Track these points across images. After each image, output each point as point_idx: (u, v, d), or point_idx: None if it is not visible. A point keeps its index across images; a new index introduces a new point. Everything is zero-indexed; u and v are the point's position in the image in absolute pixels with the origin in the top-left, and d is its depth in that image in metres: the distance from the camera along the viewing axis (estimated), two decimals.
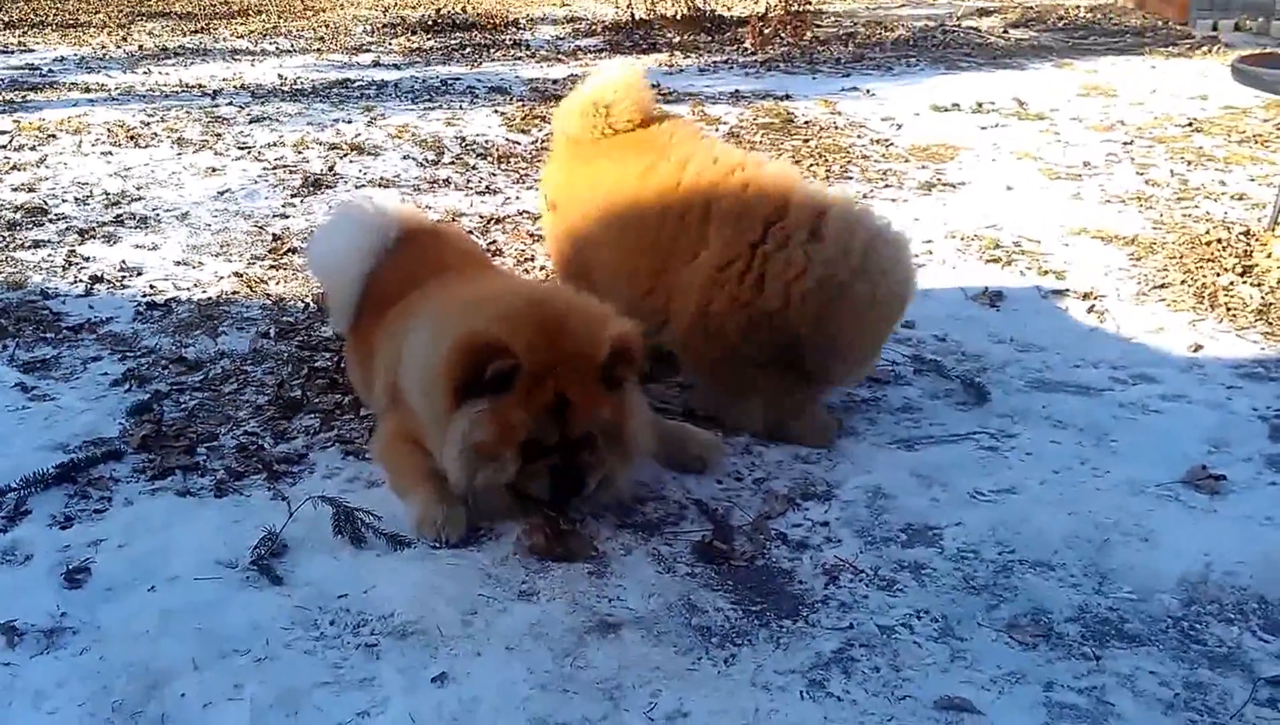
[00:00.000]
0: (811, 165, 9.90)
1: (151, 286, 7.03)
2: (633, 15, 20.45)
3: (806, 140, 10.86)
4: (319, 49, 18.40)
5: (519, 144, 11.04)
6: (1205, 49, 15.82)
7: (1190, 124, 11.13)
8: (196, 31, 20.86)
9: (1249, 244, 7.16)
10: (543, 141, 11.02)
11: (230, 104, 13.14)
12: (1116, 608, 3.83)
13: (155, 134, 11.44)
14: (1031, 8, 21.53)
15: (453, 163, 10.33)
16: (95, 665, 3.59)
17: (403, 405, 4.58)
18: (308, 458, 4.94)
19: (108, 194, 8.93)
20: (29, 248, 7.66)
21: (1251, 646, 3.61)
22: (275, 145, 10.97)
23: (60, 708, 3.41)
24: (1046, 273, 7.06)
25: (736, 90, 13.61)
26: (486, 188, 9.45)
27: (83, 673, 3.56)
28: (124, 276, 7.19)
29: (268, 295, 6.91)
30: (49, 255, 7.52)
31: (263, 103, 13.26)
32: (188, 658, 3.61)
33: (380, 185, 9.50)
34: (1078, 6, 21.49)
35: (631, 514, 4.46)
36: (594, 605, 3.89)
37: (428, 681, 3.50)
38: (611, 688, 3.49)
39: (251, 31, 20.93)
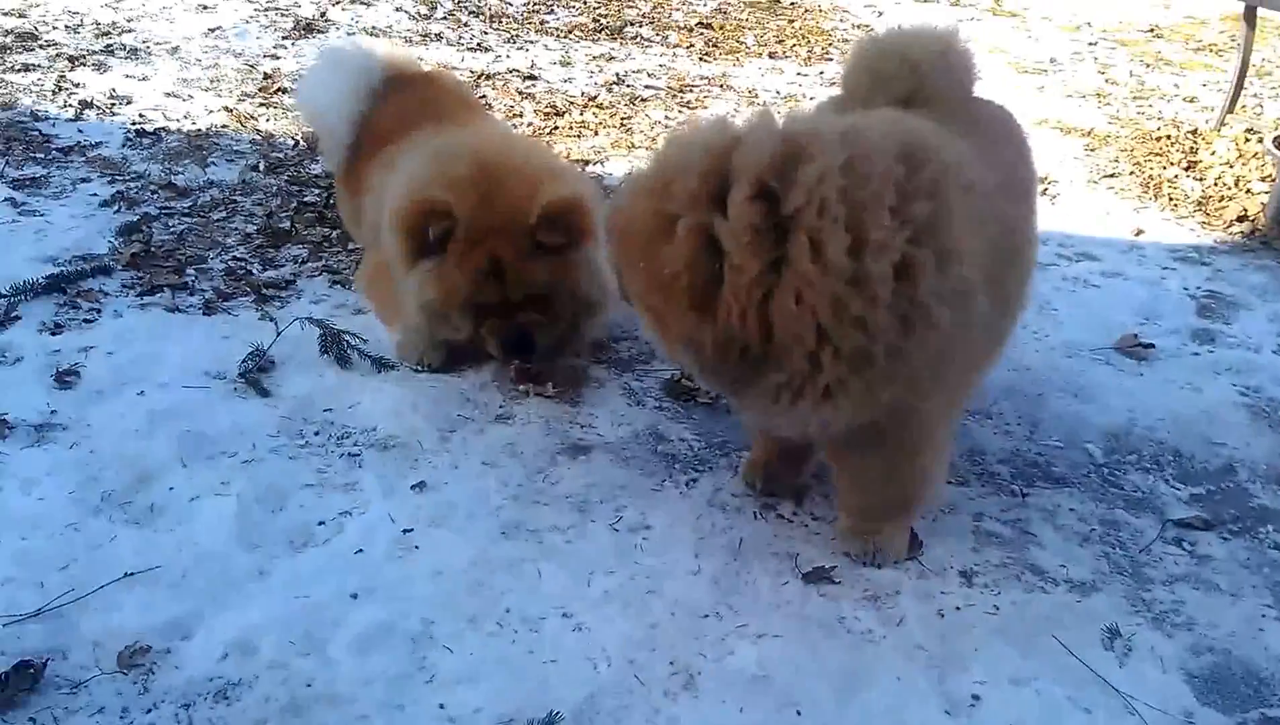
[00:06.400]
0: (794, 45, 10.07)
1: (141, 115, 7.04)
2: None
3: (791, 21, 11.00)
4: None
5: (511, 4, 10.99)
6: None
7: (1152, 29, 11.53)
8: None
9: (1195, 142, 7.54)
10: (534, 3, 11.00)
11: None
12: (1044, 453, 4.13)
13: None
14: None
15: (445, 19, 10.29)
16: (85, 458, 3.74)
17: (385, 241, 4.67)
18: (295, 284, 5.05)
19: (98, 24, 8.87)
20: (19, 71, 7.63)
21: (1164, 492, 3.95)
22: None
23: (49, 495, 3.56)
24: None
25: None
26: (478, 45, 9.44)
27: (72, 464, 3.70)
28: (114, 104, 7.19)
29: (257, 131, 6.95)
30: (39, 79, 7.49)
31: None
32: (175, 456, 3.76)
33: (371, 34, 9.46)
34: None
35: (605, 351, 4.63)
36: (566, 430, 4.07)
37: (407, 488, 3.68)
38: (580, 501, 3.69)
39: None
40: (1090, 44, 10.80)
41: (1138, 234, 6.19)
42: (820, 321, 2.87)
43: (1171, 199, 6.67)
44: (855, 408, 3.05)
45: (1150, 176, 7.00)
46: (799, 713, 2.94)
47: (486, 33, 9.88)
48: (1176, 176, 6.96)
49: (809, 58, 9.66)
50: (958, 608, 3.35)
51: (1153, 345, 4.89)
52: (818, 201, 2.83)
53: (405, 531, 3.47)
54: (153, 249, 5.21)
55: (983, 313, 3.10)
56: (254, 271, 5.13)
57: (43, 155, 6.30)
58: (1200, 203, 6.60)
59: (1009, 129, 3.86)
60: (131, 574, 3.23)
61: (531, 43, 9.64)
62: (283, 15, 9.73)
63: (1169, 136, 7.70)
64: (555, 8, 10.97)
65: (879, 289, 2.84)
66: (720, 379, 3.23)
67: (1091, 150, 7.56)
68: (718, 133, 3.04)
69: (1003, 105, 3.96)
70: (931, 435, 3.32)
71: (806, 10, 11.39)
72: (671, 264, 2.94)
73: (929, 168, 2.95)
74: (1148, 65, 10.06)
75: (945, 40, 3.74)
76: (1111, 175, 7.09)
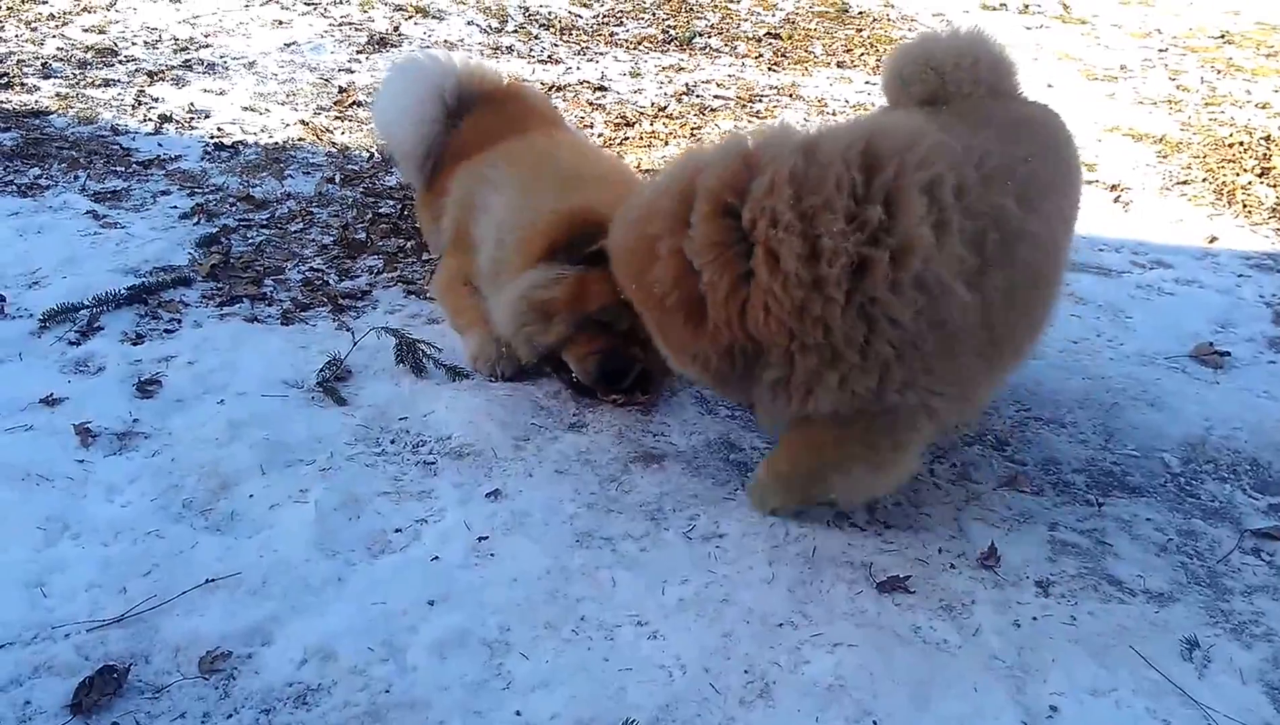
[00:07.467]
0: (862, 55, 10.12)
1: (219, 129, 7.15)
2: None
3: (859, 30, 11.05)
4: None
5: (581, 17, 11.06)
6: None
7: (1222, 36, 11.51)
8: None
9: (1269, 148, 7.54)
10: (604, 16, 11.05)
11: None
12: (1120, 462, 4.12)
13: None
14: None
15: (515, 31, 10.37)
16: (166, 466, 3.79)
17: (464, 248, 4.72)
18: (371, 294, 5.11)
19: (176, 39, 9.02)
20: (99, 86, 7.77)
21: (1241, 502, 3.93)
22: (341, 3, 11.01)
23: (132, 501, 3.62)
24: None
25: None
26: (549, 57, 9.51)
27: (154, 472, 3.76)
28: (192, 118, 7.31)
29: (333, 143, 7.04)
30: (119, 94, 7.63)
31: None
32: (255, 464, 3.82)
33: (444, 48, 9.55)
34: None
35: None
36: (639, 439, 4.09)
37: (482, 496, 3.71)
38: (653, 510, 3.71)
39: None
40: (1160, 51, 10.79)
41: (1211, 241, 6.16)
42: (788, 324, 3.02)
43: (1245, 206, 6.64)
44: (834, 400, 3.17)
45: (1223, 183, 6.98)
46: (875, 722, 2.93)
47: (557, 45, 9.94)
48: (1250, 183, 6.93)
49: (877, 67, 9.66)
50: (1034, 618, 3.33)
51: (1228, 353, 4.87)
52: (769, 213, 2.99)
53: (481, 539, 3.51)
54: (231, 260, 5.29)
55: (963, 304, 3.12)
56: (331, 282, 5.19)
57: (123, 169, 6.41)
58: (1275, 210, 6.57)
59: (1040, 129, 3.86)
60: (212, 580, 3.28)
61: (601, 54, 9.69)
62: (356, 30, 9.84)
63: (1242, 143, 7.68)
64: (624, 20, 11.02)
65: (833, 291, 2.98)
66: (731, 389, 3.40)
67: (1164, 157, 7.53)
68: (693, 157, 3.24)
69: (1045, 106, 3.98)
70: (915, 429, 3.35)
71: (875, 20, 11.43)
72: (660, 284, 3.13)
73: (888, 169, 3.04)
74: (1219, 72, 10.02)
75: (969, 43, 3.84)
76: (1184, 182, 7.06)
